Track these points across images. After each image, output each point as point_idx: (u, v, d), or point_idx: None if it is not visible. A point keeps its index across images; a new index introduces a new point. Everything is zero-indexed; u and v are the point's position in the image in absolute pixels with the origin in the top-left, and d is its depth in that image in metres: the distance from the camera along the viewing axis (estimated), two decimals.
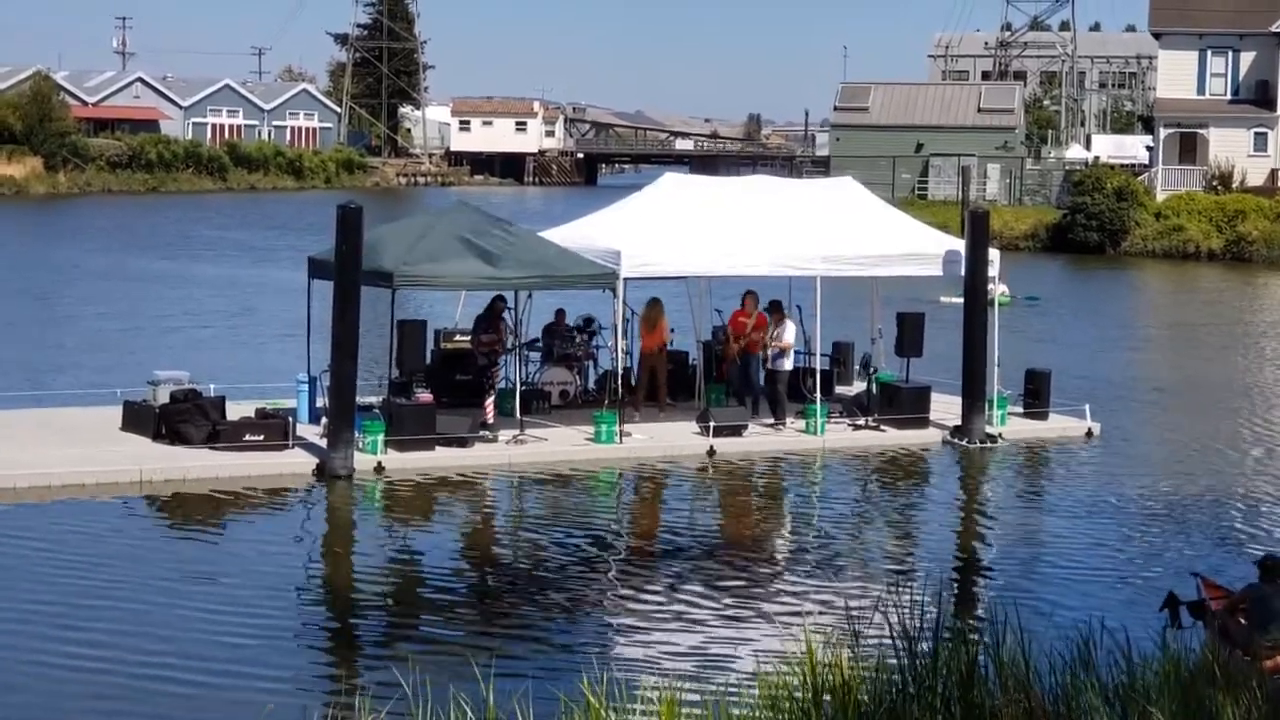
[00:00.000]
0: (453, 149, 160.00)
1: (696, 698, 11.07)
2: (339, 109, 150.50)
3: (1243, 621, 13.44)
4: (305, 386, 24.04)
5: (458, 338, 24.36)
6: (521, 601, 16.23)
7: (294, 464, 21.65)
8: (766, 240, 24.92)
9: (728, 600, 16.25)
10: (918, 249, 25.88)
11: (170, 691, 13.28)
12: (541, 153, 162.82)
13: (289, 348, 32.25)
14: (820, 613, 15.47)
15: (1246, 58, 76.93)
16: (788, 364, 25.26)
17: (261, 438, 22.00)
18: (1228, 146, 75.89)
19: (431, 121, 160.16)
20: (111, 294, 46.20)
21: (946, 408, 25.63)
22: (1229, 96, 77.26)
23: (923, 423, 25.39)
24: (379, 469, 21.67)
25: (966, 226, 25.88)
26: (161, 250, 63.05)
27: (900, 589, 16.10)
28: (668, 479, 22.54)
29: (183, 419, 22.13)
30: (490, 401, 23.78)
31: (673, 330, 26.86)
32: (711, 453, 23.60)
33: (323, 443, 21.81)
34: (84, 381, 27.66)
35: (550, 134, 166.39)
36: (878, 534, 19.96)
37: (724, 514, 21.00)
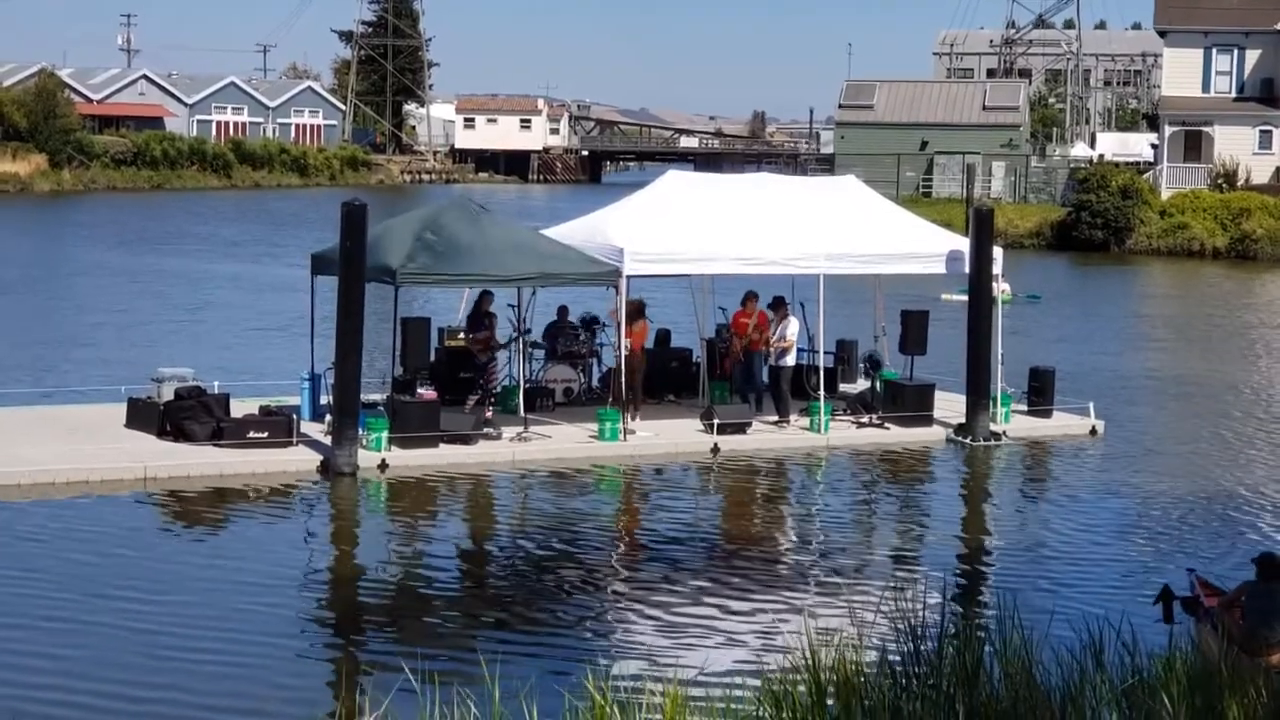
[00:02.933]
0: (457, 146, 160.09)
1: (701, 695, 11.06)
2: (344, 106, 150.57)
3: (1240, 620, 13.43)
4: (309, 384, 24.04)
5: (461, 335, 24.37)
6: (526, 599, 16.22)
7: (298, 461, 21.65)
8: (770, 238, 24.91)
9: (732, 598, 16.23)
10: (921, 246, 25.87)
11: (172, 689, 13.27)
12: (546, 150, 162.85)
13: (290, 344, 32.27)
14: (824, 611, 15.46)
15: (1252, 55, 76.84)
16: (791, 361, 25.24)
17: (265, 435, 22.01)
18: (1233, 144, 75.79)
19: (436, 119, 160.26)
20: (113, 291, 46.21)
21: (950, 405, 25.62)
22: (1234, 94, 77.17)
23: (927, 420, 25.38)
24: (383, 466, 21.68)
25: (971, 224, 25.87)
26: (163, 247, 63.08)
27: (904, 587, 16.10)
28: (672, 476, 22.53)
29: (187, 416, 22.15)
30: (474, 399, 23.73)
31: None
32: (715, 450, 23.59)
33: (327, 440, 21.82)
34: (88, 378, 27.69)
35: (555, 131, 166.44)
36: (881, 532, 19.95)
37: (728, 512, 20.99)
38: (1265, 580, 13.55)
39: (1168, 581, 14.73)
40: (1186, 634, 13.38)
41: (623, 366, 24.19)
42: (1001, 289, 27.39)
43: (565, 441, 23.38)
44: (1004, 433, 25.20)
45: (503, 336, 25.33)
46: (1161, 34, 79.75)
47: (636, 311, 25.18)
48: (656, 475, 22.57)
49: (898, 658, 10.17)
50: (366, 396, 22.79)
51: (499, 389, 24.75)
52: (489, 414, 23.63)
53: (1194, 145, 77.31)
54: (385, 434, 22.01)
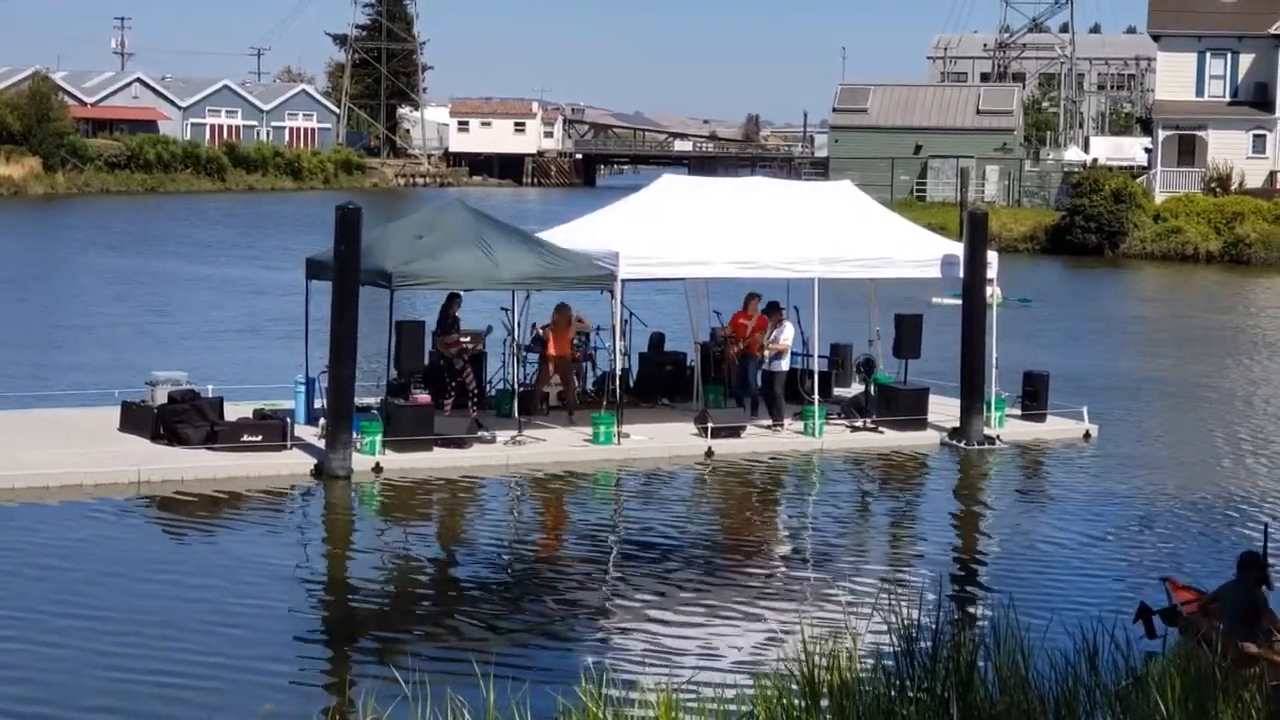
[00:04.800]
0: (451, 150, 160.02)
1: (694, 699, 11.06)
2: (338, 110, 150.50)
3: (1217, 624, 13.44)
4: (303, 387, 24.03)
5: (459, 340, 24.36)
6: (519, 603, 16.22)
7: (292, 464, 21.64)
8: (764, 241, 24.92)
9: (725, 601, 16.23)
10: (916, 251, 25.89)
11: (167, 694, 13.26)
12: (540, 154, 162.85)
13: (285, 347, 32.26)
14: (818, 613, 15.45)
15: (1245, 59, 76.94)
16: (784, 365, 25.25)
17: (259, 438, 21.99)
18: (1226, 148, 75.88)
19: (430, 122, 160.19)
20: (95, 293, 46.17)
21: (944, 409, 25.63)
22: (1228, 98, 77.27)
23: (921, 424, 25.38)
24: (377, 469, 21.66)
25: (965, 228, 25.88)
26: (157, 250, 63.05)
27: (898, 591, 16.11)
28: (666, 480, 22.53)
29: (181, 419, 22.13)
30: (449, 402, 23.68)
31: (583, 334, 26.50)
32: (710, 454, 23.59)
33: (321, 443, 21.81)
34: (82, 382, 27.65)
35: (549, 135, 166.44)
36: (875, 535, 19.96)
37: (722, 515, 20.98)
38: (1242, 580, 13.58)
39: (1143, 598, 14.71)
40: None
41: (617, 371, 24.19)
42: (992, 292, 27.40)
43: (559, 445, 23.37)
44: (998, 437, 25.20)
45: (495, 340, 25.35)
46: (1155, 38, 79.85)
47: (564, 316, 25.13)
48: (650, 479, 22.56)
49: (892, 661, 10.17)
50: (361, 400, 22.79)
51: (476, 392, 24.63)
52: (474, 413, 23.64)
53: (1187, 149, 77.39)
54: (379, 437, 22.00)
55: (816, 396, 24.94)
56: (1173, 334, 44.39)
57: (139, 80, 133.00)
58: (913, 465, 24.15)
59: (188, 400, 22.38)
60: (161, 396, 22.53)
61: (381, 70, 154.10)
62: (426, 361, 23.88)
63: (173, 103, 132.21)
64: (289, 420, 22.68)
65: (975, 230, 25.50)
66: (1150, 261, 69.73)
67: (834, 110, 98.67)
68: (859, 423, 25.40)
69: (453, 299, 24.37)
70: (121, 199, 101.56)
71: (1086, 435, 26.04)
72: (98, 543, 18.10)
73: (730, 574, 17.43)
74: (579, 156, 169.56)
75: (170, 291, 47.72)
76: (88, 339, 36.34)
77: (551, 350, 25.20)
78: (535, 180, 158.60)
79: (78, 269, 54.34)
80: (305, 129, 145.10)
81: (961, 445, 24.69)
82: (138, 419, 22.68)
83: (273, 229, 79.12)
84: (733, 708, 10.32)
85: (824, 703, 9.54)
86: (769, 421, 24.96)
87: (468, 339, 24.24)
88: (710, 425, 23.90)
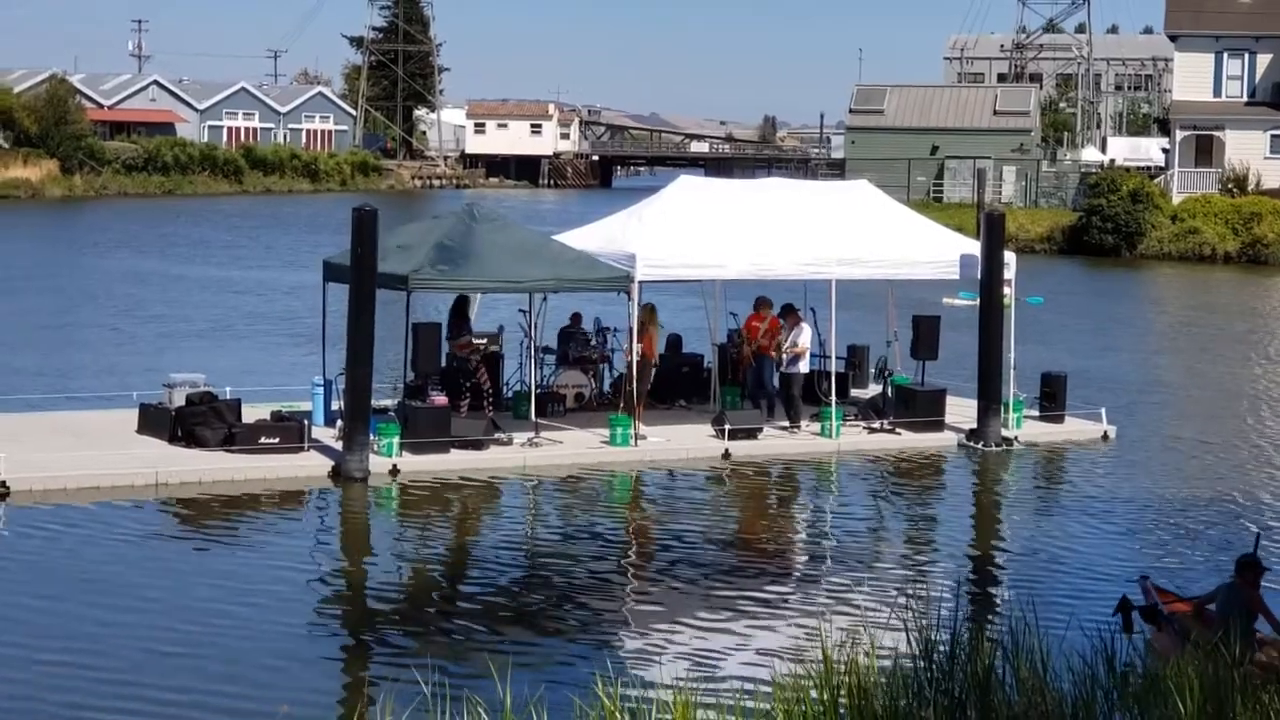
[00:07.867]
0: (468, 151, 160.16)
1: (711, 700, 11.05)
2: (354, 112, 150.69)
3: (1202, 623, 13.44)
4: (320, 389, 24.06)
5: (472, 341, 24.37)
6: (536, 604, 16.22)
7: (309, 466, 21.67)
8: (782, 243, 24.89)
9: (743, 603, 16.22)
10: (934, 251, 25.82)
11: (182, 694, 13.27)
12: (556, 155, 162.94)
13: (298, 348, 32.31)
14: (836, 615, 15.44)
15: (1263, 60, 76.74)
16: (803, 367, 25.22)
17: (277, 440, 22.02)
18: (1244, 149, 75.66)
19: (446, 124, 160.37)
20: (121, 296, 46.26)
21: (962, 411, 25.58)
22: (1245, 99, 77.06)
23: (938, 426, 25.34)
24: (394, 471, 21.69)
25: (982, 229, 25.82)
26: (175, 253, 63.18)
27: (916, 592, 16.10)
28: (683, 482, 22.52)
29: (198, 422, 22.17)
30: (464, 403, 23.68)
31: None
32: (727, 455, 23.58)
33: (338, 445, 21.84)
34: (100, 385, 27.71)
35: (565, 136, 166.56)
36: (893, 537, 19.94)
37: (739, 517, 20.97)
38: (1239, 583, 13.59)
39: (1126, 593, 14.70)
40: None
41: (634, 373, 24.15)
42: (1006, 294, 27.33)
43: (576, 447, 23.37)
44: (1016, 438, 25.15)
45: (512, 341, 25.36)
46: (1172, 38, 79.66)
47: (650, 318, 25.08)
48: (668, 480, 22.56)
49: (910, 663, 10.16)
50: (378, 402, 22.80)
51: (491, 393, 24.63)
52: (489, 414, 23.64)
53: (1205, 150, 77.20)
54: (397, 439, 22.02)
55: (834, 398, 24.90)
56: (1191, 335, 44.29)
57: (156, 83, 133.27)
58: (930, 467, 24.11)
59: (205, 402, 22.42)
60: (179, 399, 22.58)
61: (398, 72, 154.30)
62: (443, 364, 23.92)
63: (190, 105, 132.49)
64: (306, 422, 22.71)
65: (992, 231, 25.44)
66: (1167, 262, 69.58)
67: (850, 111, 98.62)
68: (876, 424, 25.37)
69: (461, 300, 24.39)
70: (138, 201, 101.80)
71: (1105, 436, 25.98)
72: (114, 545, 18.12)
73: (747, 576, 17.42)
74: (595, 158, 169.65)
75: (170, 291, 47.75)
76: (87, 339, 36.39)
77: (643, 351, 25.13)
78: (552, 182, 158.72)
79: (78, 270, 54.39)
80: (322, 131, 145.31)
81: (979, 447, 24.65)
82: (156, 421, 22.73)
83: (279, 230, 79.19)
84: (750, 704, 10.32)
85: (841, 705, 9.53)
86: (786, 423, 24.94)
87: (481, 339, 24.25)
88: (727, 427, 23.89)
